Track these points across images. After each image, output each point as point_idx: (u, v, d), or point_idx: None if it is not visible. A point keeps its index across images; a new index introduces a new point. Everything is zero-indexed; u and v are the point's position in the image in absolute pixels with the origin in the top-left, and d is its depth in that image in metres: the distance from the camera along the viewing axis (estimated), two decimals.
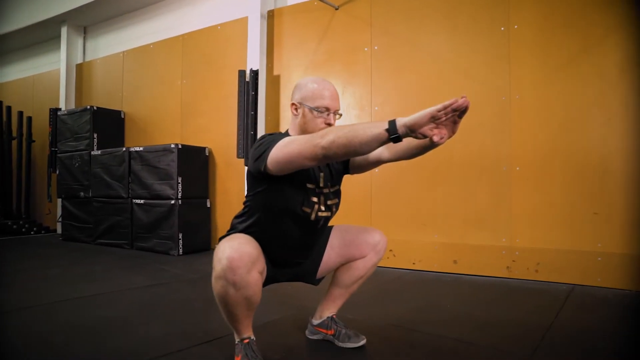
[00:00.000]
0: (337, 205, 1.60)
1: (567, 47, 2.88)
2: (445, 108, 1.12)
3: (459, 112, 1.15)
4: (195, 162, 4.10)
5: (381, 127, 1.17)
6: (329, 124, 1.51)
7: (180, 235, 3.83)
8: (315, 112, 1.50)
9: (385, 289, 2.75)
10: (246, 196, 1.57)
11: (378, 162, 1.63)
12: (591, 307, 2.34)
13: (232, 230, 1.59)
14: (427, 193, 3.30)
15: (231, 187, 4.18)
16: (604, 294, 2.56)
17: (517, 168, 3.00)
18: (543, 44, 2.95)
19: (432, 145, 1.31)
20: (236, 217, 1.61)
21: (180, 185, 3.87)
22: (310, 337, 1.82)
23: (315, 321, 1.82)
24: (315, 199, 1.51)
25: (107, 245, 4.31)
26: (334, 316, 1.79)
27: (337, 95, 1.55)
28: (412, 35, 3.39)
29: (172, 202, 3.84)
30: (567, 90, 2.88)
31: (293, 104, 1.56)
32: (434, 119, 1.13)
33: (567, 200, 2.86)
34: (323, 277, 1.79)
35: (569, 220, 2.85)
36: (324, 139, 1.24)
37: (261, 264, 1.42)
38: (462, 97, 1.12)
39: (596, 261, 2.76)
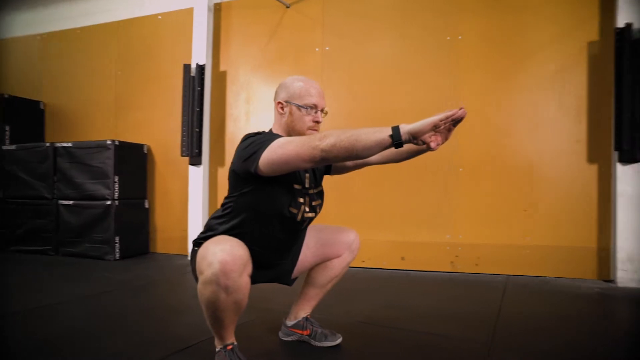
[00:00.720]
0: (320, 206, 1.61)
1: (505, 59, 3.16)
2: (446, 118, 1.17)
3: (455, 121, 1.21)
4: (132, 160, 3.83)
5: (385, 133, 1.19)
6: (317, 122, 1.52)
7: (117, 239, 3.55)
8: (303, 110, 1.50)
9: (343, 287, 2.75)
10: (228, 197, 1.51)
11: (364, 165, 1.66)
12: (527, 294, 2.59)
13: (210, 231, 1.52)
14: (375, 193, 3.42)
15: (172, 187, 3.97)
16: (533, 282, 2.86)
17: (460, 169, 3.22)
18: (484, 55, 3.20)
19: (425, 151, 1.37)
20: (214, 217, 1.54)
21: (117, 185, 3.59)
22: (284, 338, 1.80)
23: (290, 322, 1.81)
24: (301, 200, 1.51)
25: (27, 252, 3.84)
26: (309, 316, 1.80)
27: (323, 93, 1.56)
28: (363, 38, 3.48)
29: (108, 202, 3.56)
30: (503, 99, 3.16)
31: (279, 102, 1.53)
32: (435, 127, 1.18)
33: (501, 199, 3.14)
34: (297, 278, 1.78)
35: (503, 217, 3.13)
36: (323, 141, 1.23)
37: (250, 267, 1.38)
38: (460, 109, 1.18)
39: (525, 253, 3.06)
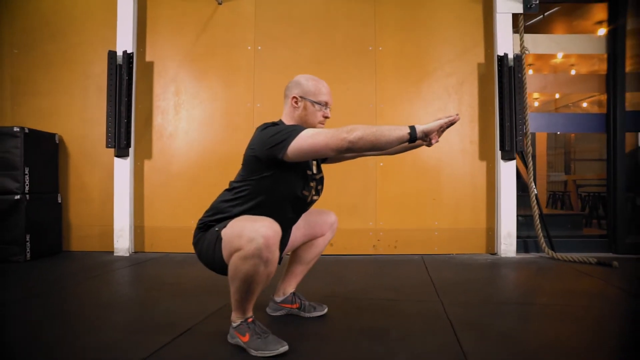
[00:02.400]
0: (322, 190, 1.84)
1: (417, 71, 3.72)
2: (449, 122, 1.52)
3: (450, 125, 1.56)
4: (43, 151, 3.45)
5: (404, 131, 1.47)
6: (326, 117, 1.75)
7: (28, 237, 3.20)
8: (317, 106, 1.72)
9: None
10: (242, 180, 1.64)
11: (360, 155, 1.93)
12: (442, 267, 3.14)
13: (221, 214, 1.63)
14: None
15: (90, 181, 3.69)
16: (442, 258, 3.46)
17: (381, 164, 3.69)
18: (401, 66, 3.72)
19: (418, 146, 1.72)
20: (225, 200, 1.65)
21: (27, 178, 3.22)
22: (273, 313, 1.99)
23: (279, 298, 2.00)
24: (312, 184, 1.72)
25: None
26: (295, 291, 2.01)
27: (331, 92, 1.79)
28: (294, 41, 3.72)
29: (17, 197, 3.17)
30: (415, 104, 3.72)
31: (294, 97, 1.72)
32: (441, 128, 1.52)
33: (415, 190, 3.69)
34: (284, 256, 1.98)
35: (416, 205, 3.69)
36: (350, 134, 1.44)
37: None
38: (456, 115, 1.53)
39: (434, 235, 3.67)
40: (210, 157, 3.69)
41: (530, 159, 3.57)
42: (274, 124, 1.66)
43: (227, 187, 1.73)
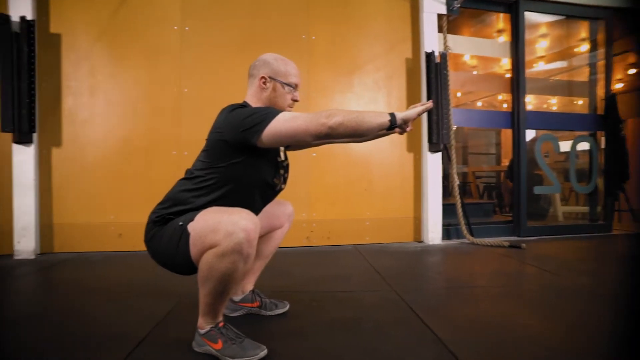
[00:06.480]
0: (287, 178, 1.74)
1: (348, 62, 3.75)
2: (425, 109, 1.52)
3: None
4: None
5: (385, 118, 1.43)
6: (295, 100, 1.65)
7: None
8: (287, 88, 1.61)
9: None
10: (208, 167, 1.47)
11: (326, 143, 1.85)
12: (379, 256, 3.23)
13: (181, 205, 1.45)
14: None
15: None
16: (375, 248, 3.56)
17: (313, 154, 3.67)
18: (332, 56, 3.71)
19: (390, 134, 1.72)
20: (187, 190, 1.48)
21: None
22: (230, 314, 1.85)
23: (237, 297, 1.87)
24: (281, 171, 1.62)
25: None
26: (254, 289, 1.90)
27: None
28: (222, 24, 3.50)
29: None
30: (346, 94, 3.75)
31: (263, 77, 1.59)
32: (418, 115, 1.52)
33: (347, 180, 3.74)
34: None
35: (348, 196, 3.74)
36: (330, 119, 1.35)
37: None
38: (430, 101, 1.55)
39: (365, 225, 3.76)
40: (132, 145, 3.32)
41: (453, 151, 3.83)
42: (241, 105, 1.52)
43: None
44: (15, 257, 3.00)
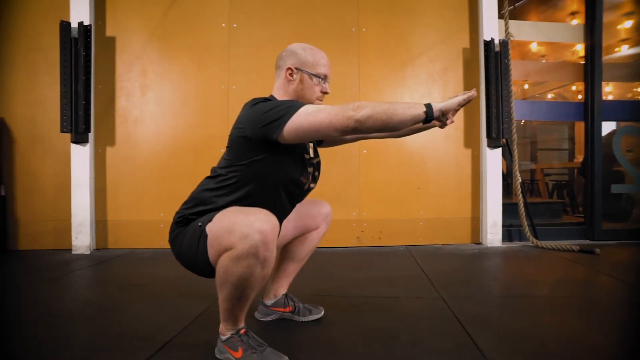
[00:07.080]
0: (319, 177, 1.62)
1: (401, 54, 3.55)
2: (467, 98, 1.33)
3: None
4: None
5: (420, 109, 1.26)
6: (325, 93, 1.52)
7: None
8: (315, 79, 1.49)
9: None
10: (230, 165, 1.38)
11: (364, 137, 1.71)
12: (431, 258, 3.02)
13: (203, 205, 1.38)
14: None
15: (41, 170, 3.29)
16: (428, 249, 3.34)
17: (364, 151, 3.51)
18: (384, 48, 3.53)
19: (431, 127, 1.53)
20: (208, 189, 1.40)
21: None
22: (262, 319, 1.77)
23: (269, 301, 1.78)
24: (310, 170, 1.50)
25: None
26: (287, 293, 1.80)
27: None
28: (270, 19, 3.46)
29: None
30: (399, 88, 3.55)
31: (289, 68, 1.48)
32: (459, 106, 1.33)
33: (399, 178, 3.55)
34: None
35: (401, 195, 3.55)
36: (358, 112, 1.22)
37: None
38: (474, 90, 1.35)
39: (419, 225, 3.54)
40: (181, 143, 3.38)
41: (515, 146, 3.50)
42: (265, 99, 1.42)
43: (208, 174, 1.47)
44: (73, 252, 3.16)
